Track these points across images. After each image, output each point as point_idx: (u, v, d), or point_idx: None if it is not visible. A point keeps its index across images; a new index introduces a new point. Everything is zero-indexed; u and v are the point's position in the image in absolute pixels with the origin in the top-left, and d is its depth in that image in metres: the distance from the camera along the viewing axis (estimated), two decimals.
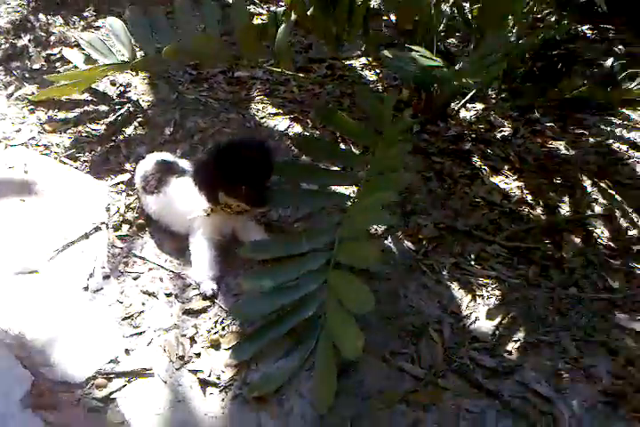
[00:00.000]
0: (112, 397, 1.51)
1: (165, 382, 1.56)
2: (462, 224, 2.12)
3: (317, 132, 2.50)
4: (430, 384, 1.59)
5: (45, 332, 1.64)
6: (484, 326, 1.79)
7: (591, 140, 2.67)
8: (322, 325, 1.60)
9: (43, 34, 2.87)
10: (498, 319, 1.81)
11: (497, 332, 1.77)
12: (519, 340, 1.74)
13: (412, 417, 1.51)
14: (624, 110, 2.87)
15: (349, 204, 1.93)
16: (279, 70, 2.46)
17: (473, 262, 2.00)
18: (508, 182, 2.39)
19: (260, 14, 3.36)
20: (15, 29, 2.94)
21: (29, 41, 2.83)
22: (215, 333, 1.71)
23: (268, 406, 1.52)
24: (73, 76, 2.32)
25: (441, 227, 2.10)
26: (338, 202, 1.99)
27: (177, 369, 1.60)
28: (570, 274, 1.98)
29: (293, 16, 2.23)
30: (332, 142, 2.22)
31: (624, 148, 2.64)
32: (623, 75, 2.58)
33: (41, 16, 2.93)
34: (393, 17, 2.85)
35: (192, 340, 1.69)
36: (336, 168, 2.21)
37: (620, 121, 2.82)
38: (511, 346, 1.73)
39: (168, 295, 1.84)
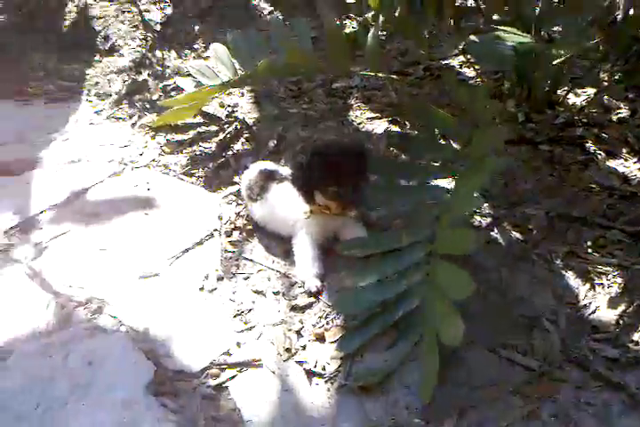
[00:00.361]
0: (224, 385, 1.60)
1: (274, 373, 1.62)
2: (577, 212, 1.99)
3: (415, 132, 2.50)
4: (545, 376, 1.49)
5: (166, 327, 1.79)
6: (606, 315, 1.65)
7: None
8: (424, 314, 1.58)
9: (159, 68, 3.19)
10: (621, 308, 1.66)
11: (620, 321, 1.62)
12: None
13: (526, 409, 1.42)
14: None
15: (448, 195, 1.90)
16: (374, 74, 2.50)
17: (590, 250, 1.86)
18: (627, 166, 2.20)
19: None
20: (136, 66, 3.30)
21: (148, 75, 3.16)
22: (320, 327, 1.74)
23: (374, 396, 1.51)
24: (183, 99, 2.53)
25: (552, 216, 1.99)
26: (436, 195, 1.95)
27: (284, 361, 1.65)
28: None
29: (381, 18, 2.27)
30: (430, 138, 2.20)
31: None
32: None
33: (157, 52, 3.27)
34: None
35: (298, 334, 1.73)
36: (435, 164, 2.18)
37: None
38: (637, 336, 1.57)
39: (276, 293, 1.91)
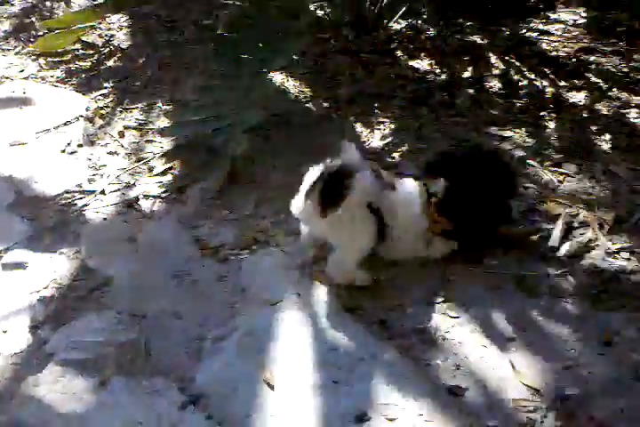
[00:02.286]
0: (76, 204, 1.98)
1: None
2: (374, 90, 2.52)
3: None
4: None
5: (28, 171, 2.15)
6: (377, 144, 2.17)
7: (507, 33, 3.02)
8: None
9: (47, 14, 3.54)
10: (388, 140, 2.19)
11: (385, 148, 2.14)
12: (402, 150, 2.11)
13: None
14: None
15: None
16: None
17: (377, 111, 2.39)
18: (421, 64, 2.77)
19: None
20: (25, 13, 3.62)
21: (35, 18, 3.49)
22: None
23: None
24: (62, 19, 2.90)
25: (355, 92, 2.51)
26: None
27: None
28: (457, 110, 2.34)
29: None
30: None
31: (534, 35, 2.98)
32: None
33: (47, 3, 3.62)
34: None
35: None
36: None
37: (540, 20, 3.16)
38: (396, 155, 2.10)
39: (128, 154, 2.31)
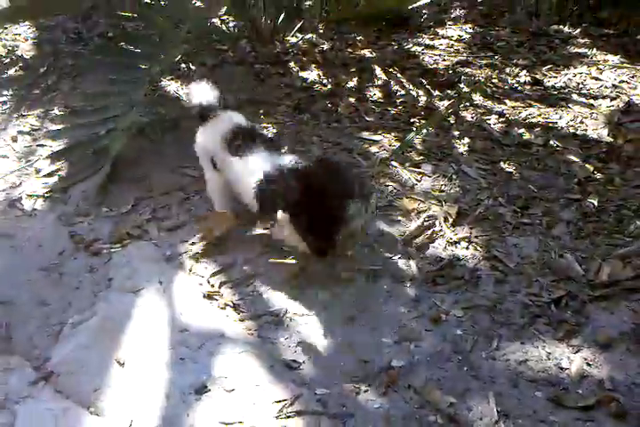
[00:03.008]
0: None
1: None
2: (262, 97, 2.68)
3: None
4: None
5: None
6: None
7: (395, 47, 3.25)
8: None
9: None
10: None
11: None
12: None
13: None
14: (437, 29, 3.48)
15: None
16: None
17: (262, 117, 2.54)
18: (311, 74, 2.95)
19: None
20: None
21: None
22: None
23: None
24: None
25: (243, 99, 2.66)
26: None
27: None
28: (337, 117, 2.53)
29: None
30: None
31: (419, 49, 3.23)
32: None
33: None
34: None
35: None
36: None
37: (428, 36, 3.42)
38: None
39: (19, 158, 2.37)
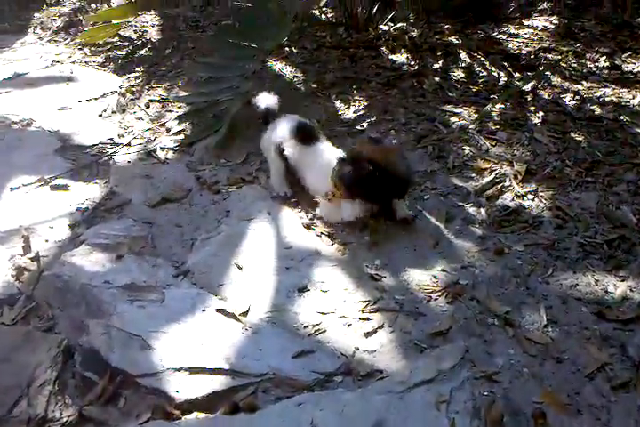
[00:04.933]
0: (108, 153, 2.53)
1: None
2: (355, 74, 3.03)
3: None
4: None
5: (72, 128, 2.71)
6: (351, 116, 2.67)
7: (481, 35, 3.51)
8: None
9: (93, 14, 4.17)
10: (360, 113, 2.69)
11: (358, 118, 2.64)
12: (370, 120, 2.61)
13: None
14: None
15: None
16: None
17: (354, 91, 2.89)
18: (400, 57, 3.27)
19: None
20: (74, 12, 4.26)
21: (83, 17, 4.12)
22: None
23: None
24: (102, 14, 3.50)
25: (339, 77, 3.02)
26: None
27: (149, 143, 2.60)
28: (422, 93, 2.83)
29: None
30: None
31: (504, 37, 3.46)
32: None
33: (92, 5, 4.26)
34: None
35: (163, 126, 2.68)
36: None
37: (514, 26, 3.64)
38: (365, 123, 2.60)
39: (152, 120, 2.85)
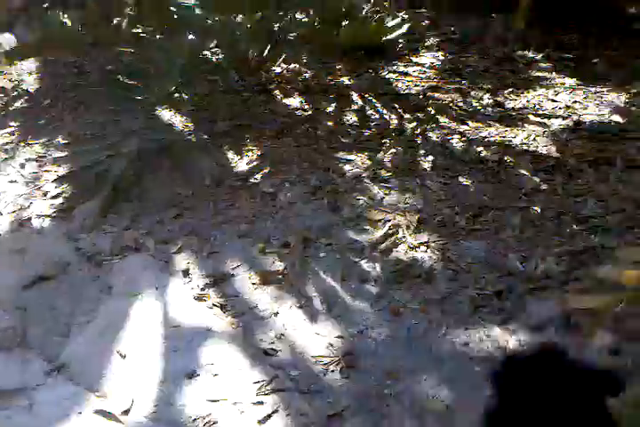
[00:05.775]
0: None
1: None
2: (248, 123, 2.97)
3: None
4: None
5: None
6: (244, 168, 2.61)
7: (372, 74, 3.56)
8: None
9: None
10: (253, 164, 2.63)
11: (252, 170, 2.58)
12: (264, 171, 2.56)
13: None
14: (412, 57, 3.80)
15: None
16: None
17: (248, 141, 2.82)
18: (293, 101, 3.25)
19: None
20: None
21: None
22: None
23: None
24: None
25: (231, 125, 2.95)
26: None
27: None
28: (316, 139, 2.82)
29: None
30: None
31: (394, 76, 3.54)
32: None
33: None
34: None
35: None
36: None
37: (403, 63, 3.73)
38: (258, 175, 2.54)
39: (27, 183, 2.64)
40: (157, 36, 3.49)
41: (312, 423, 1.52)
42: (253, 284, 2.02)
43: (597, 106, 3.00)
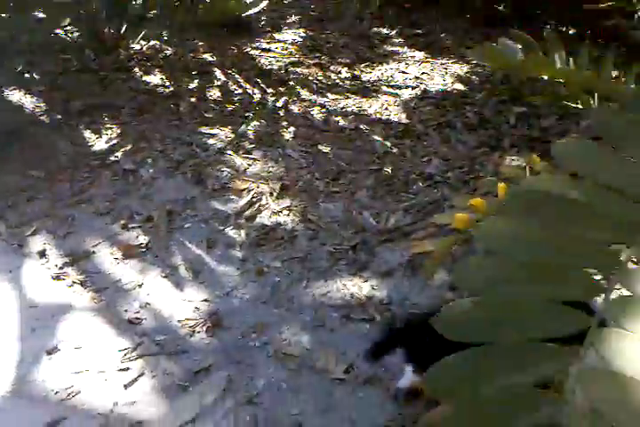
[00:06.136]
0: None
1: None
2: (107, 102, 2.89)
3: None
4: None
5: None
6: (103, 146, 2.54)
7: (235, 51, 3.58)
8: None
9: None
10: (113, 142, 2.57)
11: (111, 148, 2.52)
12: (124, 149, 2.51)
13: None
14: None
15: None
16: None
17: (106, 119, 2.75)
18: (154, 78, 3.20)
19: None
20: None
21: None
22: None
23: None
24: None
25: (88, 104, 2.85)
26: None
27: None
28: (179, 116, 2.81)
29: None
30: None
31: (257, 52, 3.58)
32: None
33: None
34: None
35: None
36: None
37: (266, 40, 3.78)
38: (119, 154, 2.49)
39: None
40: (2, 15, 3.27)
41: (179, 380, 1.56)
42: (116, 259, 2.01)
43: (442, 76, 3.26)
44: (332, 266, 1.95)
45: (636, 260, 0.91)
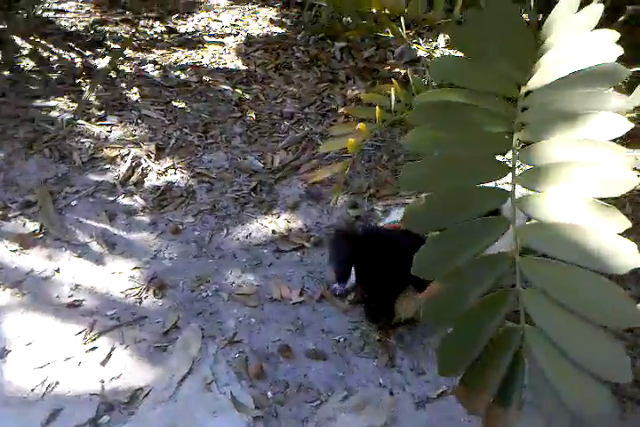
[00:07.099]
0: None
1: None
2: None
3: None
4: None
5: None
6: None
7: (25, 16, 3.20)
8: None
9: None
10: None
11: None
12: None
13: None
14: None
15: None
16: None
17: None
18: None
19: None
20: None
21: None
22: None
23: None
24: None
25: None
26: None
27: None
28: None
29: None
30: None
31: (50, 14, 3.26)
32: None
33: None
34: None
35: None
36: None
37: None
38: None
39: None
40: None
41: (154, 343, 1.61)
42: (14, 251, 1.87)
43: (256, 20, 3.38)
44: (242, 210, 2.08)
45: (523, 141, 1.26)
